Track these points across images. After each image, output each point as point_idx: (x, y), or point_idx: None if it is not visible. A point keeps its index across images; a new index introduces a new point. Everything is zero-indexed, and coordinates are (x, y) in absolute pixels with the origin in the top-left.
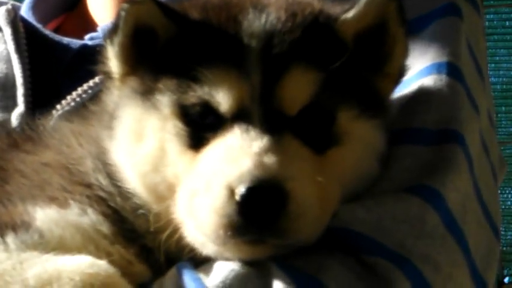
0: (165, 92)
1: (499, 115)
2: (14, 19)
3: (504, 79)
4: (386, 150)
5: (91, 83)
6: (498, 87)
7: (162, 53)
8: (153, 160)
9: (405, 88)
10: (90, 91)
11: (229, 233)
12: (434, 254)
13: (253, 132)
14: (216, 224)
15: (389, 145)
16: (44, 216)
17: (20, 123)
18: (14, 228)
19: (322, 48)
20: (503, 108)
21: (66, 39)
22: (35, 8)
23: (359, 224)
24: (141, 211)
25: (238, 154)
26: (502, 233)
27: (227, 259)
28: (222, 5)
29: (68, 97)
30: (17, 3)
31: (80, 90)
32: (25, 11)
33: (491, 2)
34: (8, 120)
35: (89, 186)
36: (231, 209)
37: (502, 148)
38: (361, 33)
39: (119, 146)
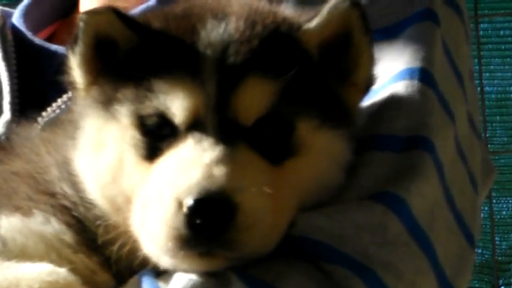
0: (123, 102)
1: (493, 124)
2: (2, 27)
3: (499, 88)
4: (353, 159)
5: (68, 96)
6: (493, 96)
7: (122, 63)
8: (112, 171)
9: (378, 93)
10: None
11: (178, 245)
12: (396, 261)
13: (206, 143)
14: (166, 236)
15: (357, 153)
16: (8, 224)
17: (6, 131)
18: None
19: (281, 58)
20: (498, 117)
21: (54, 46)
22: (27, 15)
23: (317, 231)
24: (99, 222)
25: (188, 165)
26: (497, 242)
27: (183, 271)
28: (184, 14)
29: (54, 104)
30: (10, 10)
31: (65, 97)
32: (16, 18)
33: (486, 11)
34: None
35: (53, 195)
36: (179, 221)
37: (497, 158)
38: (326, 43)
39: (81, 156)
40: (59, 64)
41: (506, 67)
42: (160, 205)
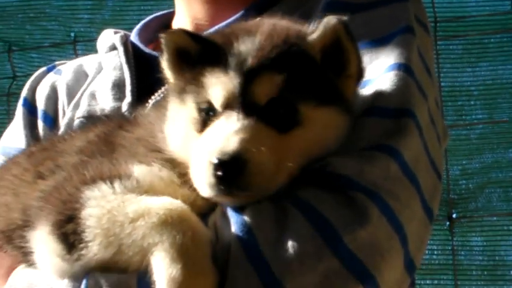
0: (189, 93)
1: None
2: (126, 41)
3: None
4: (352, 124)
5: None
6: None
7: (191, 66)
8: (182, 138)
9: (374, 81)
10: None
11: (211, 188)
12: (395, 189)
13: (232, 118)
14: (205, 182)
15: (358, 119)
16: (139, 170)
17: (128, 110)
18: (120, 177)
19: (288, 60)
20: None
21: (158, 54)
22: (140, 34)
23: (343, 168)
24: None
25: (216, 134)
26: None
27: (220, 203)
28: (230, 32)
29: (159, 91)
30: (128, 33)
31: (163, 88)
32: (133, 36)
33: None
34: (120, 108)
35: (161, 151)
36: (209, 173)
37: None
38: (325, 48)
39: (168, 125)
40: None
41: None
42: (201, 162)
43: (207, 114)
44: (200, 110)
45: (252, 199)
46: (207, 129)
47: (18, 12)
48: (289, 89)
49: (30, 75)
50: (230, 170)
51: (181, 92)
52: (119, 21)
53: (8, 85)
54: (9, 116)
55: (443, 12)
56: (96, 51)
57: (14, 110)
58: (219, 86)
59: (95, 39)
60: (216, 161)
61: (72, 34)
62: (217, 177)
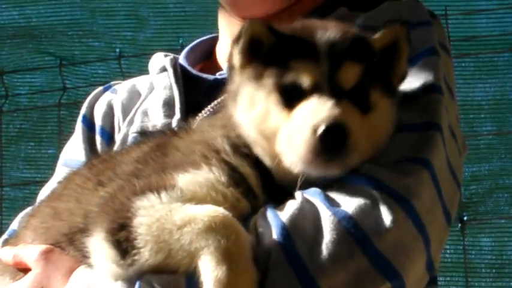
0: (269, 77)
1: None
2: (175, 64)
3: None
4: (396, 120)
5: (218, 100)
6: None
7: (266, 54)
8: (261, 117)
9: (409, 96)
10: (217, 105)
11: (313, 155)
12: (423, 194)
13: (324, 98)
14: (306, 149)
15: (398, 119)
16: (183, 179)
17: (177, 126)
18: (166, 188)
19: (363, 52)
20: None
21: (205, 75)
22: (187, 57)
23: (376, 172)
24: (246, 161)
25: (318, 109)
26: None
27: (311, 174)
28: (302, 26)
29: (205, 109)
30: (177, 55)
31: (212, 105)
32: (181, 59)
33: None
34: (170, 124)
35: (218, 152)
36: (315, 139)
37: None
38: (385, 46)
39: (241, 111)
40: (207, 85)
41: None
42: (302, 131)
43: (292, 95)
44: (285, 91)
45: (344, 170)
46: (299, 106)
47: (68, 30)
48: (364, 77)
49: (79, 87)
50: (336, 135)
51: (258, 77)
52: (158, 39)
53: (58, 96)
54: (60, 124)
55: (456, 32)
56: (138, 67)
57: (64, 118)
58: (308, 70)
59: (137, 55)
60: (323, 127)
61: (118, 50)
62: (322, 143)
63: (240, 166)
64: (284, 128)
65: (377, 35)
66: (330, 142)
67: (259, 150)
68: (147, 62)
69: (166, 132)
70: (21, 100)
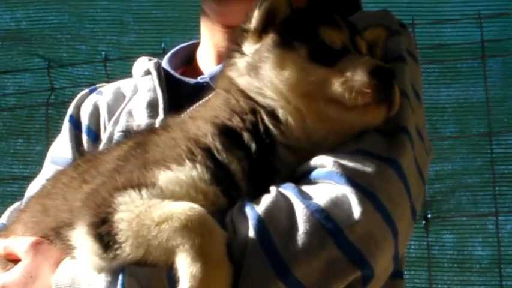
0: (299, 42)
1: None
2: (158, 67)
3: None
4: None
5: (199, 102)
6: None
7: (283, 24)
8: (296, 75)
9: None
10: (198, 107)
11: (366, 96)
12: (389, 189)
13: (356, 55)
14: (358, 93)
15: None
16: (164, 177)
17: (160, 126)
18: (147, 186)
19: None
20: None
21: (187, 79)
22: (170, 62)
23: (347, 170)
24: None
25: (361, 60)
26: None
27: (355, 123)
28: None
29: (187, 111)
30: (160, 60)
31: (193, 107)
32: (164, 63)
33: None
34: (154, 123)
35: (206, 149)
36: (368, 81)
37: None
38: (371, 42)
39: (266, 74)
40: (189, 88)
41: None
42: (356, 76)
43: (326, 55)
44: (317, 53)
45: (385, 117)
46: (341, 61)
47: (56, 33)
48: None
49: (66, 88)
50: (388, 76)
51: (286, 43)
52: (142, 43)
53: (46, 96)
54: (47, 123)
55: (423, 40)
56: (122, 69)
57: (52, 117)
58: (337, 34)
59: (122, 58)
60: (377, 68)
61: (103, 53)
62: (379, 80)
63: (230, 163)
64: (331, 80)
65: (366, 33)
66: (385, 78)
67: (283, 112)
68: (131, 65)
69: (147, 129)
70: (10, 99)
